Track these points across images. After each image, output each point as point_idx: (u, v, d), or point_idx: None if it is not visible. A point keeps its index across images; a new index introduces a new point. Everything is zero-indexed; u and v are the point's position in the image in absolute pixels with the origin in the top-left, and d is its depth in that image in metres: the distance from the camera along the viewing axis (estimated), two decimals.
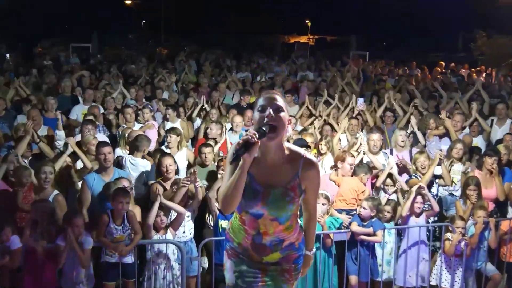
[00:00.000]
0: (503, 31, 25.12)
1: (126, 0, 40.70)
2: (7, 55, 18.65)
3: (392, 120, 9.65)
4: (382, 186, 7.03)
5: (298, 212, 3.35)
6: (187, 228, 6.02)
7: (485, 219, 6.33)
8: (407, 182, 7.04)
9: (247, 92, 11.53)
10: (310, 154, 3.37)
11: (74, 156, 6.90)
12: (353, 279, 6.10)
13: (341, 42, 34.16)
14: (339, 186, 6.74)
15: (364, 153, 7.34)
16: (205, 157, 7.00)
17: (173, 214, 5.96)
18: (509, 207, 7.19)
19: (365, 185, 6.82)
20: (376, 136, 7.54)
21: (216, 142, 7.93)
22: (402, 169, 7.45)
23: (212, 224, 6.29)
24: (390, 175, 7.04)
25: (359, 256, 6.09)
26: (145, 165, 7.00)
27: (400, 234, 6.50)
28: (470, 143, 8.60)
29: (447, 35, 31.90)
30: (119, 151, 7.48)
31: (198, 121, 9.79)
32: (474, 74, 17.69)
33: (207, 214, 6.43)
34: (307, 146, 7.09)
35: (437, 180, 7.27)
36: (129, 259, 5.68)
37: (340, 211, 6.54)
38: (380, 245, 6.25)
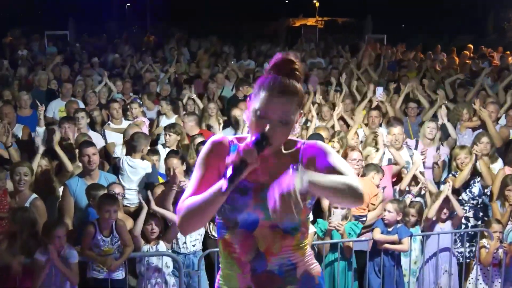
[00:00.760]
0: None
1: None
2: None
3: (416, 112, 9.62)
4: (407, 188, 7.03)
5: (309, 224, 2.85)
6: (189, 239, 5.99)
7: None
8: (444, 180, 7.00)
9: (245, 82, 11.36)
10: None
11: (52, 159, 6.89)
12: None
13: (355, 25, 34.11)
14: None
15: (385, 148, 7.31)
16: None
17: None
18: None
19: (378, 186, 6.73)
20: (397, 130, 7.49)
21: None
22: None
23: (215, 234, 6.26)
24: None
25: (382, 267, 6.09)
26: (145, 166, 6.91)
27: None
28: (508, 137, 8.57)
29: (475, 15, 31.81)
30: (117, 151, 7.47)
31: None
32: (510, 58, 17.64)
33: (208, 223, 6.40)
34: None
35: (478, 179, 7.19)
36: (119, 274, 5.67)
37: None
38: (405, 254, 6.26)
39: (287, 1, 42.05)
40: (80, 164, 6.77)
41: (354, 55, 16.80)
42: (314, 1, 42.02)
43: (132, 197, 6.69)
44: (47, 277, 5.30)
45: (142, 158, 7.01)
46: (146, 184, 6.76)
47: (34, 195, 6.02)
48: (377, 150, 7.26)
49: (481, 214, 7.09)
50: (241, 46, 19.62)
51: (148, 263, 5.75)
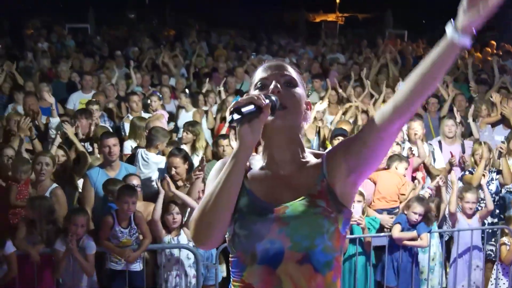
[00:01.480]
0: None
1: None
2: None
3: (436, 108, 9.59)
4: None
5: (341, 256, 2.26)
6: None
7: None
8: (462, 178, 6.97)
9: None
10: None
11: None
12: None
13: (375, 20, 33.87)
14: (375, 184, 6.68)
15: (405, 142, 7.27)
16: (223, 150, 6.96)
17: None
18: None
19: (404, 176, 6.73)
20: (416, 124, 7.46)
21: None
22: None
23: None
24: (426, 167, 7.09)
25: (400, 263, 6.05)
26: (159, 161, 6.84)
27: (442, 236, 6.45)
28: None
29: (498, 11, 31.41)
30: (131, 143, 7.49)
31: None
32: None
33: None
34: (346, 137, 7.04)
35: (497, 176, 7.14)
36: (137, 266, 5.72)
37: (380, 211, 6.49)
38: (423, 250, 6.22)
39: None
40: (99, 156, 6.83)
41: (374, 51, 16.69)
42: None
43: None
44: (66, 267, 5.34)
45: (162, 153, 6.96)
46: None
47: (55, 185, 6.07)
48: (397, 143, 7.22)
49: (497, 211, 7.04)
50: (260, 39, 19.56)
51: (169, 255, 5.77)
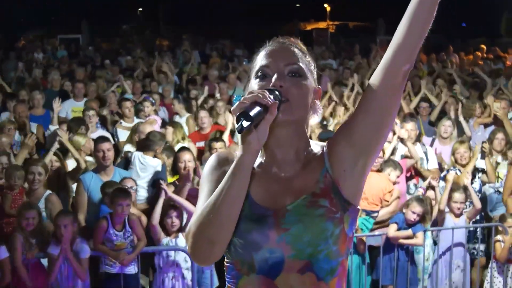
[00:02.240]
0: None
1: None
2: None
3: (428, 112, 9.63)
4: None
5: (347, 259, 2.06)
6: None
7: None
8: (444, 177, 6.96)
9: None
10: None
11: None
12: None
13: (366, 28, 34.04)
14: None
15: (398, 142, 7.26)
16: None
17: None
18: None
19: (394, 183, 6.64)
20: (410, 125, 7.49)
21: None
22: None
23: None
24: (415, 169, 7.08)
25: (397, 262, 6.03)
26: (156, 164, 6.85)
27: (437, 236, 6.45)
28: None
29: (487, 18, 31.69)
30: (128, 147, 7.49)
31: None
32: None
33: None
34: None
35: (479, 175, 7.15)
36: (132, 269, 5.68)
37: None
38: (417, 251, 6.20)
39: (298, 5, 42.01)
40: (93, 160, 6.80)
41: (365, 57, 16.74)
42: (325, 6, 41.98)
43: (139, 193, 6.66)
44: (60, 271, 5.31)
45: (154, 156, 6.96)
46: (154, 182, 6.72)
47: (49, 191, 6.04)
48: (389, 142, 7.19)
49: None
50: (253, 48, 19.59)
51: (166, 257, 5.75)
